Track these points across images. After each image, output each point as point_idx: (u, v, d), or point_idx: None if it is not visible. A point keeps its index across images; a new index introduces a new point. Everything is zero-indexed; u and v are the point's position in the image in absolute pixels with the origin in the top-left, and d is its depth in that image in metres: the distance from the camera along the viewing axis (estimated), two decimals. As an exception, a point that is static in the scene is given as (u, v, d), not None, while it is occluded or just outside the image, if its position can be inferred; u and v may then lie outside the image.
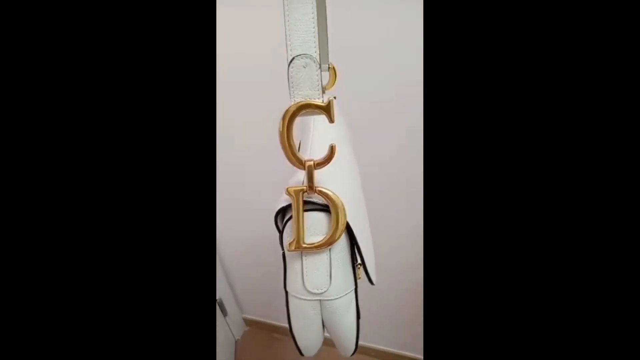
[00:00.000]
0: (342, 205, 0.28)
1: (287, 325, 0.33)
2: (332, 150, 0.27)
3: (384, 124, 0.81)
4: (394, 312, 1.16)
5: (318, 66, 0.27)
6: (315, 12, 0.28)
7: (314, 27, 0.27)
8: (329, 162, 0.28)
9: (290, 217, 0.28)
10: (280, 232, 0.30)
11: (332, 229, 0.28)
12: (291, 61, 0.26)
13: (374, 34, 0.74)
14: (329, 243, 0.28)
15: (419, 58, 0.71)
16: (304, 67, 0.27)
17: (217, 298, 1.27)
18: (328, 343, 0.33)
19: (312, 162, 0.27)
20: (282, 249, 0.30)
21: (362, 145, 0.87)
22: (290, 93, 0.27)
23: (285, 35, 0.27)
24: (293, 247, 0.28)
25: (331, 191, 0.28)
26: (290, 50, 0.27)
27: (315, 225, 0.29)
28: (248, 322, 1.49)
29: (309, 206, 0.29)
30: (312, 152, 0.36)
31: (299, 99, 0.27)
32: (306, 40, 0.27)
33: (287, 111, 0.27)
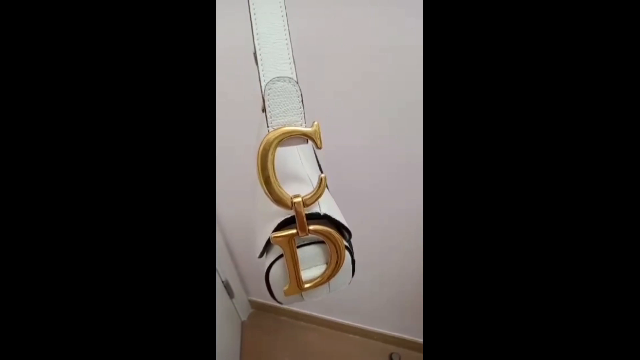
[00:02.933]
0: (340, 238, 0.24)
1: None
2: (322, 182, 0.24)
3: (381, 98, 0.80)
4: (397, 296, 1.18)
5: (298, 88, 0.24)
6: (287, 25, 0.25)
7: (287, 43, 0.24)
8: (320, 197, 0.24)
9: (275, 261, 0.25)
10: (267, 274, 0.26)
11: (332, 264, 0.25)
12: (266, 86, 0.23)
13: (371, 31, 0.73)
14: (330, 278, 0.25)
15: (418, 58, 0.69)
16: (282, 91, 0.24)
17: (223, 280, 1.30)
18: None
19: (300, 200, 0.23)
20: (270, 290, 0.26)
21: (361, 128, 0.87)
22: (267, 120, 0.24)
23: (256, 53, 0.24)
24: (290, 293, 0.25)
25: (326, 227, 0.24)
26: (263, 72, 0.24)
27: (309, 259, 0.25)
28: (253, 304, 1.53)
29: (300, 242, 0.25)
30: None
31: (280, 126, 0.23)
32: (281, 61, 0.24)
33: (265, 141, 0.23)
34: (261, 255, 0.27)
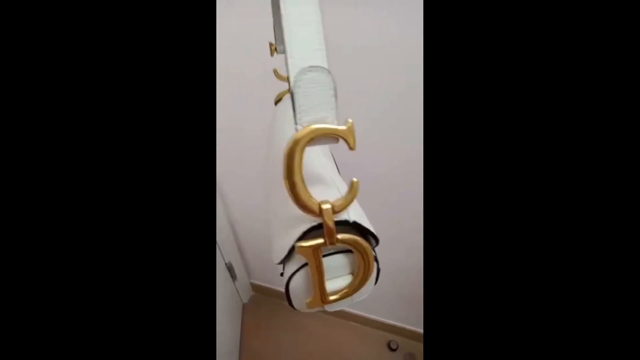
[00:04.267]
0: (369, 248, 0.23)
1: None
2: (353, 186, 0.22)
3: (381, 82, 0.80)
4: (396, 286, 1.19)
5: (331, 79, 0.21)
6: (319, 9, 0.21)
7: (320, 27, 0.21)
8: (351, 202, 0.22)
9: (297, 270, 0.23)
10: (287, 284, 0.24)
11: (359, 276, 0.23)
12: (295, 77, 0.21)
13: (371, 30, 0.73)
14: (357, 290, 0.23)
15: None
16: (314, 83, 0.21)
17: (226, 262, 1.31)
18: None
19: (329, 207, 0.21)
20: (290, 300, 0.24)
21: (362, 113, 0.87)
22: (295, 117, 0.21)
23: (285, 42, 0.21)
24: (314, 306, 0.23)
25: (355, 235, 0.22)
26: (292, 61, 0.21)
27: (335, 269, 0.23)
28: (255, 288, 1.55)
29: (325, 251, 0.23)
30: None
31: (309, 123, 0.21)
32: (312, 48, 0.21)
33: (294, 141, 0.20)
34: (281, 262, 0.25)
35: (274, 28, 0.38)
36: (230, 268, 1.35)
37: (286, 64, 0.21)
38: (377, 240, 0.25)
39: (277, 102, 0.45)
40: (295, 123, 0.21)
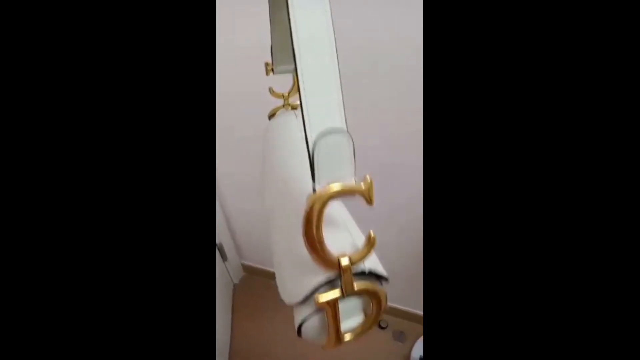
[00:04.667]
0: (384, 292, 0.23)
1: None
2: (370, 241, 0.22)
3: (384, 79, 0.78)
4: (387, 266, 1.20)
5: (351, 140, 0.21)
6: (336, 57, 0.21)
7: (337, 83, 0.21)
8: (367, 254, 0.22)
9: (311, 315, 0.23)
10: (299, 327, 0.24)
11: (373, 316, 0.23)
12: (315, 140, 0.20)
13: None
14: (369, 328, 0.24)
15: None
16: (335, 145, 0.21)
17: (217, 242, 1.30)
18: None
19: (348, 263, 0.21)
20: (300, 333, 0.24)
21: (363, 103, 0.85)
22: (314, 176, 0.21)
23: (302, 98, 0.20)
24: (329, 348, 0.23)
25: (370, 283, 0.22)
26: (310, 120, 0.20)
27: (348, 312, 0.23)
28: (246, 268, 1.55)
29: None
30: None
31: (328, 182, 0.21)
32: (332, 106, 0.21)
33: (315, 200, 0.20)
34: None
35: (271, 48, 0.37)
36: (220, 249, 1.34)
37: (303, 120, 0.20)
38: (387, 280, 0.25)
39: (270, 116, 0.44)
40: (314, 181, 0.21)
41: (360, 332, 0.24)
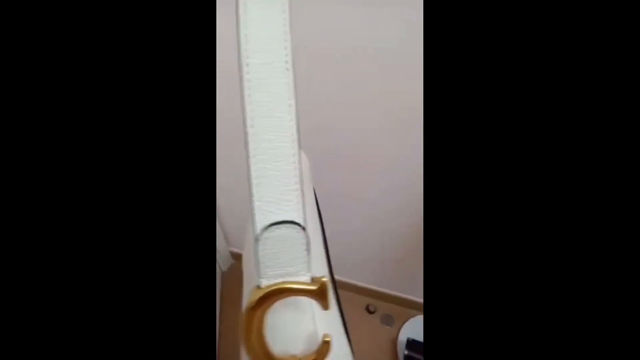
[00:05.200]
0: None
1: None
2: (325, 347, 0.19)
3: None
4: (374, 252, 1.21)
5: (305, 234, 0.18)
6: (295, 119, 0.18)
7: (294, 161, 0.18)
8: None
9: None
10: None
11: None
12: (262, 232, 0.18)
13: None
14: None
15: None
16: (283, 240, 0.18)
17: (204, 231, 1.29)
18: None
19: None
20: None
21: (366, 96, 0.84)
22: (258, 269, 0.19)
23: (250, 177, 0.18)
24: None
25: None
26: (258, 205, 0.18)
27: None
28: (235, 256, 1.54)
29: None
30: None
31: (275, 279, 0.18)
32: (284, 192, 0.18)
33: (252, 300, 0.18)
34: None
35: None
36: (208, 237, 1.32)
37: (251, 207, 0.18)
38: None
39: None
40: (259, 276, 0.18)
41: None
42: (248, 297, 0.19)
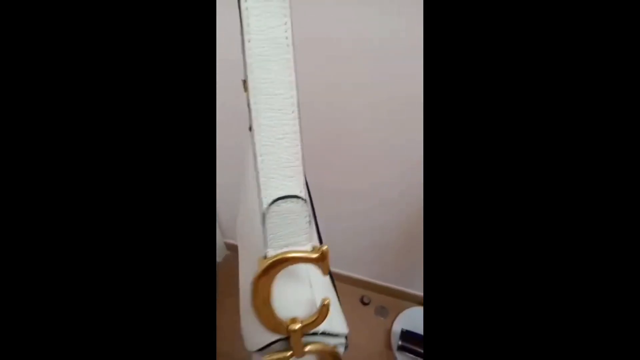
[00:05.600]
0: (335, 353, 0.23)
1: None
2: (323, 309, 0.21)
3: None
4: (369, 244, 1.21)
5: (307, 207, 0.20)
6: (297, 106, 0.19)
7: (296, 142, 0.19)
8: (322, 321, 0.21)
9: None
10: None
11: None
12: (268, 207, 0.19)
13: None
14: None
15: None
16: (289, 213, 0.20)
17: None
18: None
19: (299, 327, 0.21)
20: None
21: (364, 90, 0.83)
22: (265, 241, 0.20)
23: (256, 159, 0.19)
24: None
25: (323, 343, 0.22)
26: (264, 181, 0.19)
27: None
28: (229, 247, 1.54)
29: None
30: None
31: (280, 249, 0.20)
32: (287, 170, 0.20)
33: (262, 270, 0.20)
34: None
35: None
36: (202, 227, 1.32)
37: (257, 183, 0.19)
38: (347, 338, 0.25)
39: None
40: (266, 247, 0.20)
41: None
42: (253, 267, 0.20)
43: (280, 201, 0.20)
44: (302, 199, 0.20)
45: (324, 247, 0.21)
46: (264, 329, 0.22)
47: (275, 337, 0.22)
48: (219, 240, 1.48)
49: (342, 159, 1.00)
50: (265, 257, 0.20)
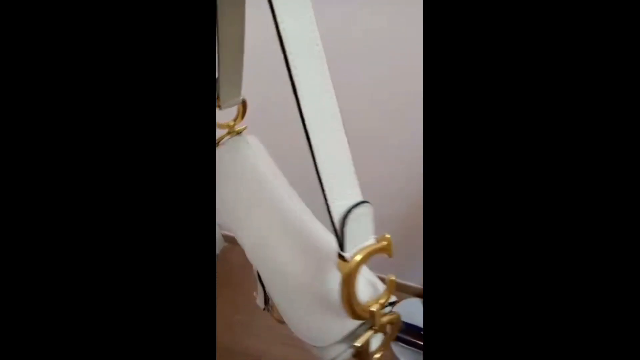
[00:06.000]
0: (399, 316, 0.26)
1: None
2: (392, 283, 0.25)
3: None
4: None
5: (371, 207, 0.23)
6: (344, 134, 0.21)
7: (349, 157, 0.22)
8: (391, 295, 0.25)
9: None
10: None
11: (392, 333, 0.27)
12: (346, 215, 0.21)
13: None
14: (386, 348, 0.27)
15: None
16: (362, 217, 0.22)
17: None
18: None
19: (377, 307, 0.24)
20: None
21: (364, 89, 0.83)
22: (345, 246, 0.22)
23: (322, 179, 0.21)
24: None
25: (393, 314, 0.25)
26: (336, 199, 0.21)
27: (376, 338, 0.26)
28: (227, 238, 1.55)
29: None
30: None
31: (356, 249, 0.22)
32: (349, 182, 0.22)
33: (350, 269, 0.22)
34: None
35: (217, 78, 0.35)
36: (200, 219, 1.32)
37: (326, 202, 0.21)
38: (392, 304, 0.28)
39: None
40: (343, 250, 0.22)
41: (384, 349, 0.26)
42: (331, 268, 0.24)
43: (354, 209, 0.22)
44: (369, 202, 0.23)
45: (387, 236, 0.23)
46: (344, 320, 0.25)
47: (358, 323, 0.25)
48: (217, 232, 1.49)
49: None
50: (346, 260, 0.22)
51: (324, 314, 0.27)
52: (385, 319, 0.24)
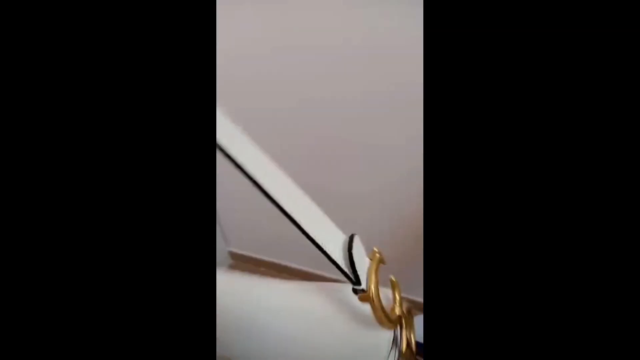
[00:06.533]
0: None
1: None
2: (394, 285, 0.28)
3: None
4: (382, 251, 1.20)
5: (357, 235, 0.27)
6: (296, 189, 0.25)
7: (315, 206, 0.25)
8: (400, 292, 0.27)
9: None
10: None
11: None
12: (349, 246, 0.24)
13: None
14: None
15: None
16: (356, 248, 0.25)
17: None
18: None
19: (400, 313, 0.26)
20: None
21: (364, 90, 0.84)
22: (359, 282, 0.24)
23: (303, 232, 0.23)
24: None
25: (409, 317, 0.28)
26: (326, 243, 0.24)
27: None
28: (234, 256, 1.54)
29: None
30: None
31: (365, 276, 0.25)
32: (331, 228, 0.25)
33: (371, 297, 0.24)
34: None
35: None
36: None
37: (321, 249, 0.23)
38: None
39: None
40: (359, 284, 0.24)
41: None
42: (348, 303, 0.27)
43: (348, 243, 0.24)
44: (354, 234, 0.26)
45: (375, 249, 0.26)
46: (374, 344, 0.26)
47: (390, 334, 0.26)
48: (223, 249, 1.48)
49: (340, 163, 1.01)
50: (364, 290, 0.24)
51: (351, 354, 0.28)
52: (405, 307, 0.27)
